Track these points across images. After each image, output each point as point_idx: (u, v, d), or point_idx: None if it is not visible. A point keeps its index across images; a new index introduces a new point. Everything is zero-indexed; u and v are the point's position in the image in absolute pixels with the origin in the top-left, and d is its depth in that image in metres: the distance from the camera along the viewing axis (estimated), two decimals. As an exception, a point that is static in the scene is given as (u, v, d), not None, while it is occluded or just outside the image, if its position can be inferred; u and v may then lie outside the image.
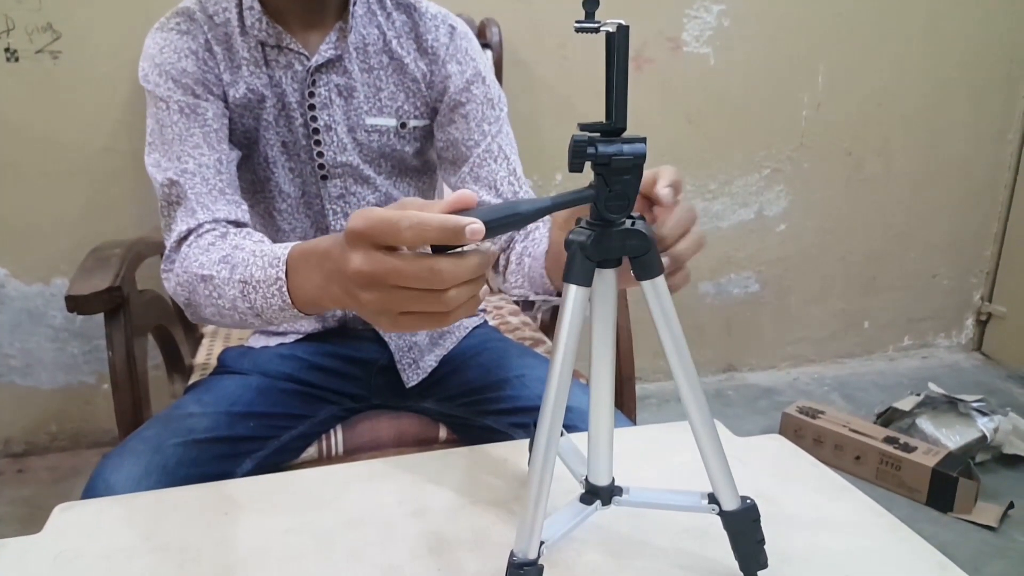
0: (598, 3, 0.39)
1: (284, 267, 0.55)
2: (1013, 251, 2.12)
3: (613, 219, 0.43)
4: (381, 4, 0.83)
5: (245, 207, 0.77)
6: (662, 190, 0.49)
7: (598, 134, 0.43)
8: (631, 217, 0.45)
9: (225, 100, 0.79)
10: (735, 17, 1.77)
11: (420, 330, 0.51)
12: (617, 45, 0.40)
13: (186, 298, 0.68)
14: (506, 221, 0.42)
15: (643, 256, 0.45)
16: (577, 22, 0.39)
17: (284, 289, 0.55)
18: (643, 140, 0.42)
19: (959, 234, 2.13)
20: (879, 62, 1.90)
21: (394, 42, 0.83)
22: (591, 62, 1.69)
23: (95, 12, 1.45)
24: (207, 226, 0.72)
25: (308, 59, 0.80)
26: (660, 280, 0.46)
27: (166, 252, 0.73)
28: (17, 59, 1.45)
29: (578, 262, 0.44)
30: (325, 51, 0.80)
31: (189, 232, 0.71)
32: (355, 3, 0.80)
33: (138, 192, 1.56)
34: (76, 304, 0.85)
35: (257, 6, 0.78)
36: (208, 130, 0.77)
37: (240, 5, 0.79)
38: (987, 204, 2.12)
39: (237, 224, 0.75)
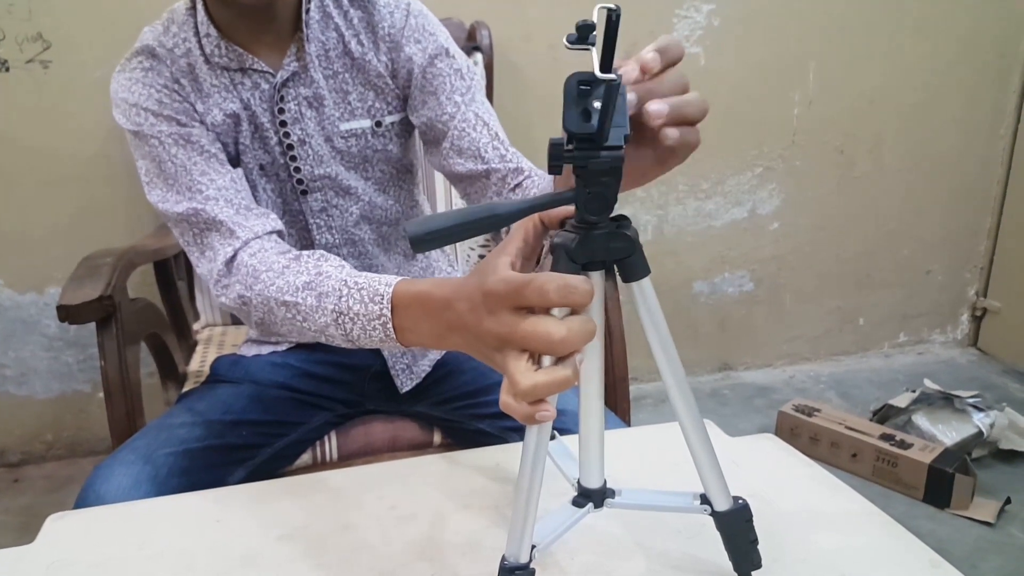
0: (593, 27, 0.38)
1: (389, 305, 0.55)
2: (1007, 246, 2.13)
3: (593, 221, 0.43)
4: (337, 3, 0.82)
5: (275, 215, 0.76)
6: (646, 55, 0.44)
7: None
8: (615, 220, 0.45)
9: (207, 126, 0.79)
10: (725, 17, 1.78)
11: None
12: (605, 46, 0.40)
13: (260, 319, 0.68)
14: (484, 223, 0.42)
15: (628, 259, 0.45)
16: (568, 42, 0.39)
17: (389, 326, 0.55)
18: (621, 146, 0.42)
19: (953, 230, 2.13)
20: (870, 60, 1.90)
21: (352, 41, 0.82)
22: (582, 64, 1.69)
23: (84, 21, 1.45)
24: (255, 243, 0.72)
25: (273, 76, 0.80)
26: (646, 282, 0.46)
27: (213, 275, 0.72)
28: (8, 69, 1.45)
29: (563, 265, 0.44)
30: (288, 65, 0.79)
31: (236, 252, 0.71)
32: (307, 11, 0.79)
33: (131, 199, 1.56)
34: (67, 314, 0.84)
35: (214, 32, 0.77)
36: (208, 156, 0.76)
37: (198, 33, 0.78)
38: (980, 199, 2.12)
39: (278, 233, 0.75)
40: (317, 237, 0.87)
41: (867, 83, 1.92)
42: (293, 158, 0.82)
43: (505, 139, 0.84)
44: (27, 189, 1.52)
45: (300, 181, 0.84)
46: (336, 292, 0.59)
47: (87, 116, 1.50)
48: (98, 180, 1.54)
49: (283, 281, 0.64)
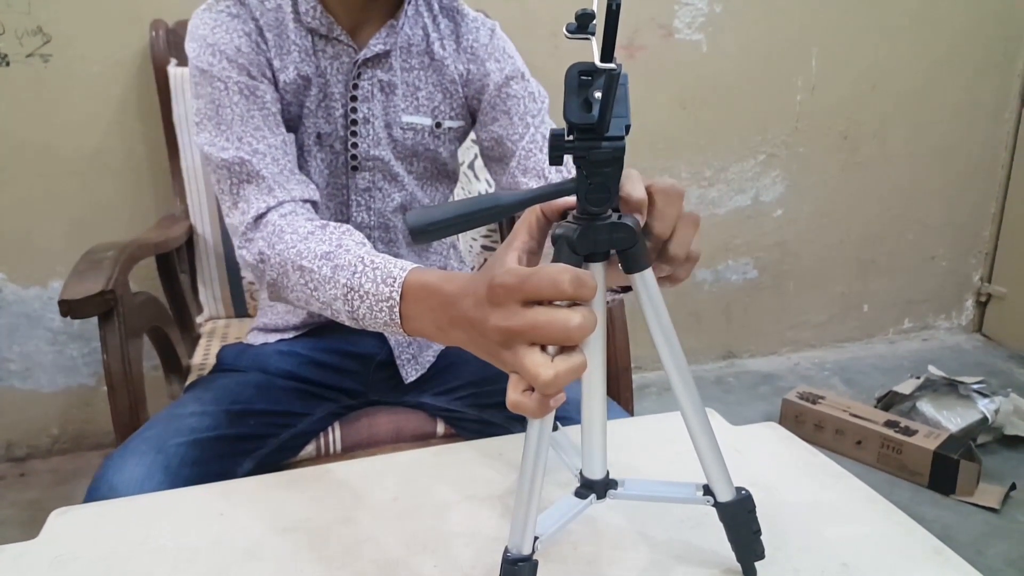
0: (593, 16, 0.38)
1: (400, 289, 0.54)
2: (1012, 231, 2.12)
3: (595, 212, 0.43)
4: (429, 7, 0.86)
5: (314, 186, 0.78)
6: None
7: None
8: (618, 210, 0.45)
9: (275, 84, 0.80)
10: (727, 3, 1.76)
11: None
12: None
13: (273, 279, 0.68)
14: (484, 214, 0.42)
15: (630, 249, 0.44)
16: (568, 31, 0.38)
17: (396, 310, 0.54)
18: (622, 136, 0.42)
19: (957, 215, 2.12)
20: (872, 44, 1.89)
21: (436, 44, 0.85)
22: (583, 52, 1.68)
23: (85, 14, 1.44)
24: (288, 205, 0.73)
25: (356, 52, 0.82)
26: (648, 273, 0.45)
27: (241, 227, 0.72)
28: (8, 63, 1.45)
29: (565, 256, 0.43)
30: (375, 45, 0.82)
31: (268, 210, 0.72)
32: (409, 2, 0.82)
33: (133, 193, 1.56)
34: (69, 308, 0.84)
35: None
36: (267, 113, 0.77)
37: None
38: (984, 184, 2.11)
39: (312, 203, 0.76)
40: (355, 214, 0.88)
41: (870, 68, 1.91)
42: (354, 133, 0.84)
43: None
44: (29, 183, 1.52)
45: (354, 157, 0.85)
46: (351, 267, 0.59)
47: (88, 110, 1.49)
48: (100, 174, 1.54)
49: (304, 246, 0.65)
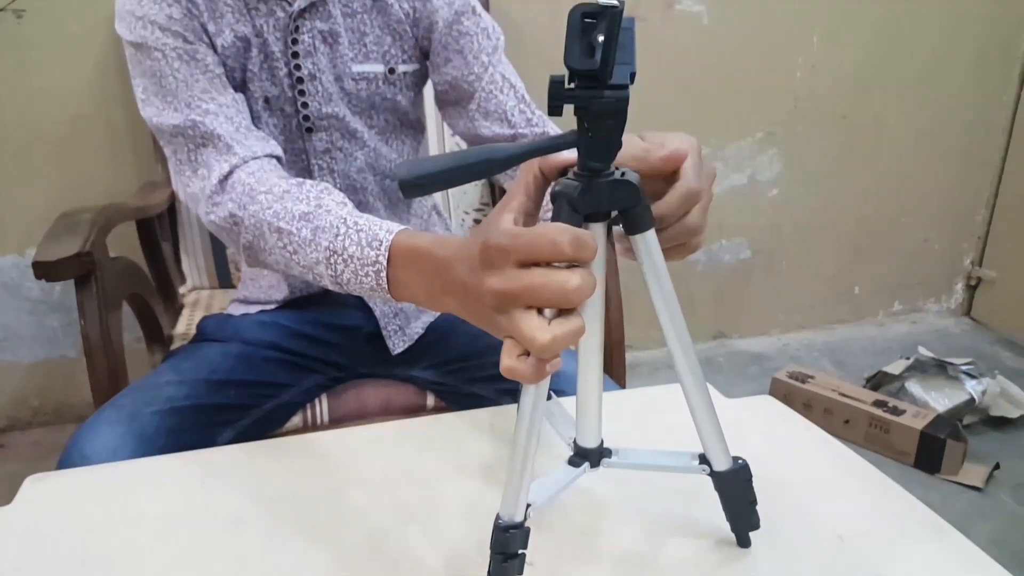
0: None
1: (387, 252, 0.52)
2: (1004, 216, 2.11)
3: (596, 168, 0.41)
4: None
5: (275, 142, 0.74)
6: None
7: None
8: (620, 168, 0.43)
9: (214, 49, 0.76)
10: (727, -24, 1.73)
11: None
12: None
13: (248, 242, 0.65)
14: (479, 167, 0.40)
15: (633, 209, 0.42)
16: None
17: (383, 274, 0.52)
18: (626, 84, 0.40)
19: (952, 199, 2.11)
20: (875, 25, 1.86)
21: None
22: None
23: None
24: (253, 163, 0.69)
25: (290, 5, 0.78)
26: (651, 234, 0.43)
27: (205, 192, 0.69)
28: (-20, 20, 1.40)
29: (564, 215, 0.41)
30: None
31: (233, 169, 0.68)
32: None
33: (112, 158, 1.52)
34: (44, 270, 0.81)
35: None
36: (212, 75, 0.74)
37: None
38: (981, 168, 2.10)
39: (277, 159, 0.73)
40: (318, 178, 0.85)
41: (872, 49, 1.89)
42: (302, 92, 0.80)
43: (531, 101, 0.83)
44: (4, 148, 1.47)
45: (306, 118, 0.82)
46: (333, 229, 0.56)
47: (65, 68, 1.44)
48: (77, 135, 1.49)
49: (280, 206, 0.61)
